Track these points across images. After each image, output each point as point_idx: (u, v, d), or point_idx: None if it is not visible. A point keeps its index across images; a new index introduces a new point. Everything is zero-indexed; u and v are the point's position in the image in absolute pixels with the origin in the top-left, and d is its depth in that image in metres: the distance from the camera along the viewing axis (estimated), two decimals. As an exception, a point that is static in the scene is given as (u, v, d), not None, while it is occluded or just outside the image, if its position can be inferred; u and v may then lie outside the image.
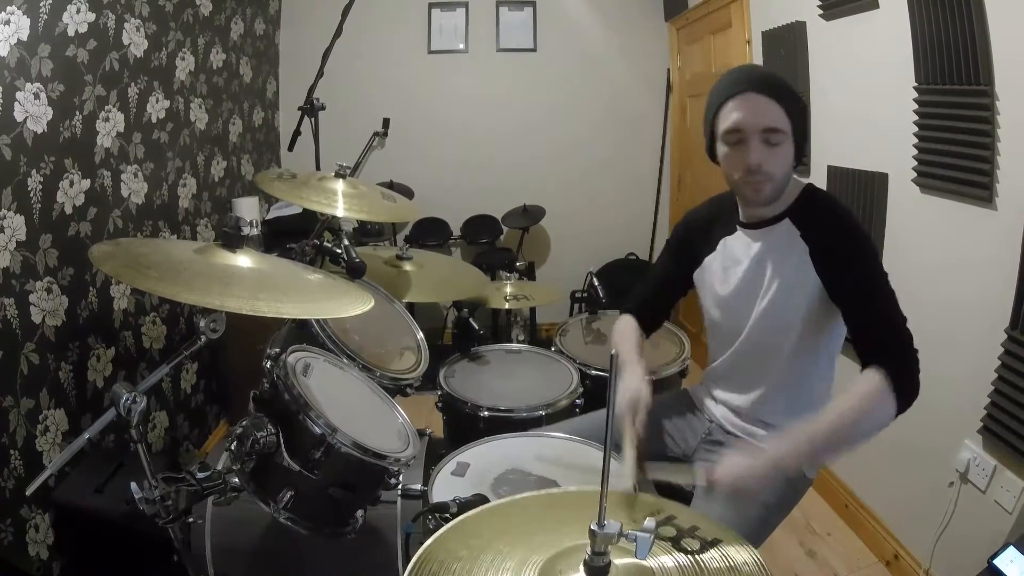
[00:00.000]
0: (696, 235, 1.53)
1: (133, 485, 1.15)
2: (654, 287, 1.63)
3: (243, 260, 1.23)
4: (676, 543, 0.85)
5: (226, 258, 1.22)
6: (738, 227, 1.42)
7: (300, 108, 2.07)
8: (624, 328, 1.58)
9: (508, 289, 2.45)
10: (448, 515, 1.14)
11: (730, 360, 1.50)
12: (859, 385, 1.20)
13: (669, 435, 1.58)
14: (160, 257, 1.20)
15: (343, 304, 1.26)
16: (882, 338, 1.22)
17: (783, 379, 1.41)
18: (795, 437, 1.20)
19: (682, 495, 1.51)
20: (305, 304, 1.24)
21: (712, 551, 0.83)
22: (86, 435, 1.14)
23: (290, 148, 2.11)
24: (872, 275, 1.26)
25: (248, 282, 1.17)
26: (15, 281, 1.69)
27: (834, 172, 2.38)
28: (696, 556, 0.82)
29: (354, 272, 1.74)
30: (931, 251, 1.94)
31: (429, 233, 3.96)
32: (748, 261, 1.40)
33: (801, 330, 1.34)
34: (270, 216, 3.33)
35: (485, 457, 1.48)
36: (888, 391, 1.16)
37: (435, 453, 1.65)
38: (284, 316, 1.17)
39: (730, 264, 1.44)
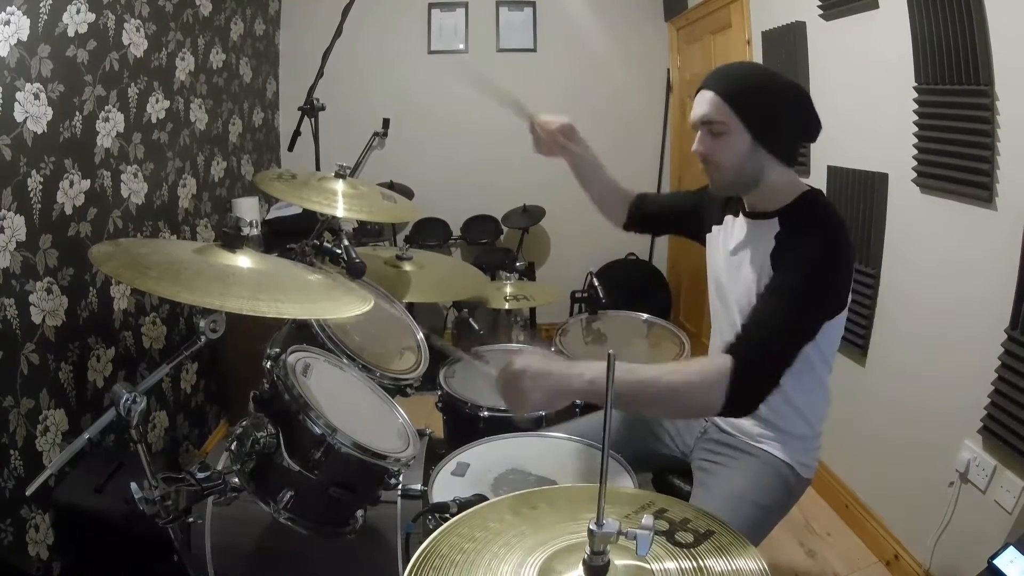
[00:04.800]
0: (715, 201, 1.53)
1: (133, 485, 1.15)
2: (666, 194, 1.64)
3: (243, 260, 1.23)
4: (670, 537, 0.85)
5: (226, 258, 1.22)
6: (741, 212, 1.43)
7: (300, 108, 2.07)
8: None
9: (508, 289, 2.45)
10: (448, 515, 1.14)
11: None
12: (704, 361, 1.20)
13: (668, 434, 1.59)
14: (160, 257, 1.20)
15: (343, 304, 1.26)
16: (753, 338, 1.16)
17: None
18: (602, 368, 1.09)
19: (680, 492, 1.52)
20: (305, 304, 1.24)
21: (710, 550, 0.83)
22: (86, 435, 1.14)
23: (290, 148, 2.11)
24: (797, 287, 1.17)
25: (248, 282, 1.17)
26: (15, 281, 1.69)
27: (834, 172, 2.38)
28: (691, 551, 0.82)
29: (354, 272, 1.74)
30: (931, 251, 1.94)
31: (429, 233, 3.96)
32: (733, 247, 1.41)
33: None
34: (270, 216, 3.33)
35: (485, 457, 1.48)
36: (724, 383, 1.11)
37: (435, 453, 1.65)
38: (284, 316, 1.17)
39: (725, 244, 1.45)
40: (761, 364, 1.14)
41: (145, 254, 1.20)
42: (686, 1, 3.69)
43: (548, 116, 1.63)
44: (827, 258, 1.21)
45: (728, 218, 1.47)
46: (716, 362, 1.14)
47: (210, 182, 2.92)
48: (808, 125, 1.33)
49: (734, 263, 1.40)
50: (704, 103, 1.30)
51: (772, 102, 1.28)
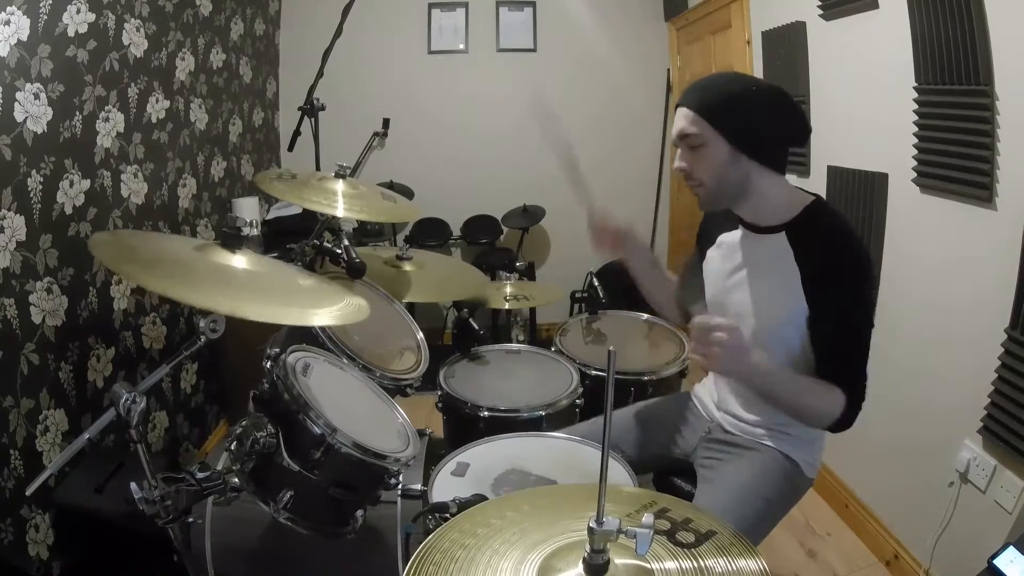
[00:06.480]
0: (706, 225, 1.55)
1: (133, 485, 1.15)
2: (683, 266, 1.66)
3: (238, 261, 1.23)
4: (671, 536, 0.85)
5: (223, 257, 1.22)
6: (739, 225, 1.42)
7: (300, 108, 2.07)
8: None
9: (508, 289, 2.45)
10: (448, 515, 1.14)
11: None
12: (829, 390, 1.24)
13: (670, 435, 1.59)
14: (157, 253, 1.20)
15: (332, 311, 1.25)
16: (842, 378, 1.25)
17: None
18: (769, 369, 1.23)
19: (681, 492, 1.52)
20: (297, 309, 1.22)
21: (711, 550, 0.83)
22: (86, 435, 1.14)
23: (290, 148, 2.10)
24: (858, 321, 1.25)
25: (241, 283, 1.17)
26: (15, 281, 1.69)
27: (834, 172, 2.38)
28: (692, 550, 0.82)
29: (354, 272, 1.74)
30: (931, 251, 1.94)
31: (429, 233, 3.96)
32: (734, 263, 1.41)
33: (781, 343, 1.33)
34: (270, 216, 3.33)
35: (485, 457, 1.48)
36: (838, 413, 1.24)
37: (435, 453, 1.65)
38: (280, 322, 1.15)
39: (721, 261, 1.45)
40: (860, 396, 1.25)
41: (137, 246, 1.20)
42: (686, 1, 3.69)
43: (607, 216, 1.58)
44: (867, 272, 1.26)
45: (723, 237, 1.46)
46: (835, 395, 1.23)
47: (210, 182, 2.92)
48: (791, 128, 1.31)
49: (736, 280, 1.40)
50: (680, 119, 1.31)
51: (746, 108, 1.26)
